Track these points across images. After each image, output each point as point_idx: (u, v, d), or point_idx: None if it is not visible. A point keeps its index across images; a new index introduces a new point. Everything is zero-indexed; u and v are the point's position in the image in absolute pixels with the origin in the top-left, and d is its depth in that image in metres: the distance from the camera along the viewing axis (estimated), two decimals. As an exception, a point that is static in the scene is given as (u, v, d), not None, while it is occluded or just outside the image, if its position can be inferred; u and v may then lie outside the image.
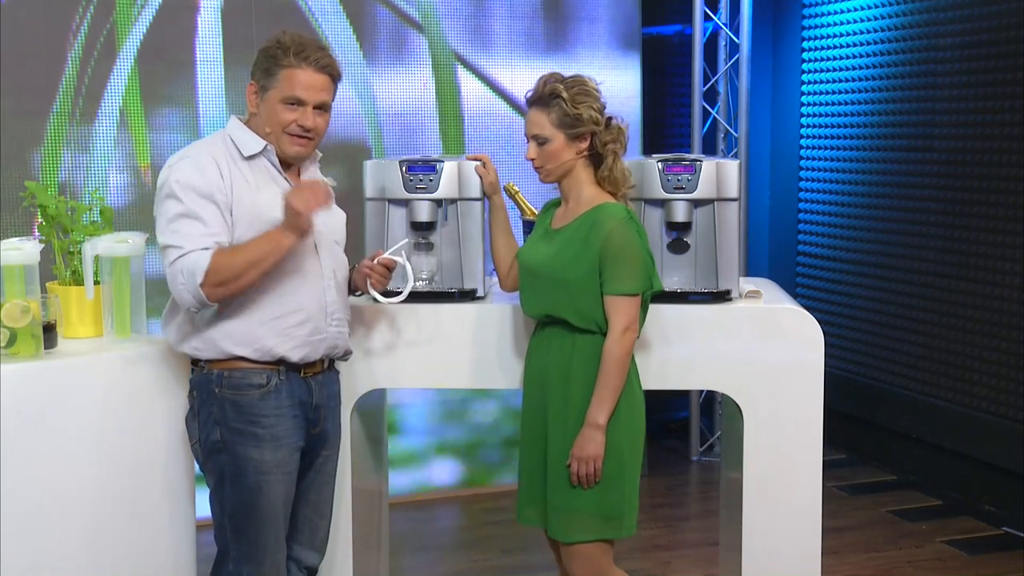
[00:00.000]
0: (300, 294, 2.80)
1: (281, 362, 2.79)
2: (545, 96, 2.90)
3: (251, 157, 2.79)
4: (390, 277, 2.96)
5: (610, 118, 2.93)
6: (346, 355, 2.98)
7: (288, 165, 2.85)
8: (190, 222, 2.68)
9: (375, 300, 2.96)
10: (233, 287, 2.68)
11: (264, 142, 2.79)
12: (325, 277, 2.85)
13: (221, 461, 2.79)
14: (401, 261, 2.94)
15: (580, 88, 2.89)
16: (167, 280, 2.71)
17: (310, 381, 2.86)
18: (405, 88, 5.05)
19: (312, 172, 2.92)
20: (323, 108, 2.81)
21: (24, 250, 2.78)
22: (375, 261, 2.94)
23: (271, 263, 2.70)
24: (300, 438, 2.84)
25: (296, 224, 2.67)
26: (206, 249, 2.66)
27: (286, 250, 2.70)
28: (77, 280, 3.00)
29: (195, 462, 2.90)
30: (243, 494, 2.77)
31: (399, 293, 2.98)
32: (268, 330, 2.77)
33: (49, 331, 2.82)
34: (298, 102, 2.76)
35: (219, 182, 2.72)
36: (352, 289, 3.01)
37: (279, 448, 2.79)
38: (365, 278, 2.95)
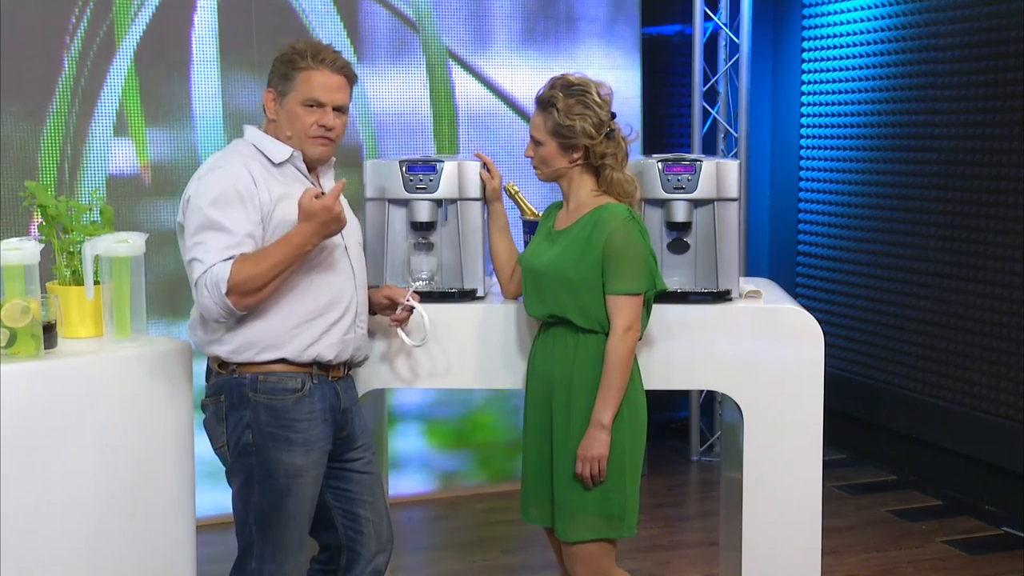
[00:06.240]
0: (333, 293, 2.83)
1: (314, 364, 2.81)
2: (544, 100, 2.91)
3: (280, 163, 2.81)
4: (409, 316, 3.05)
5: (611, 130, 2.91)
6: (364, 359, 3.00)
7: (310, 168, 2.88)
8: (214, 234, 2.68)
9: (407, 344, 3.06)
10: (260, 296, 2.70)
11: (291, 148, 2.82)
12: (357, 277, 2.89)
13: (250, 463, 2.79)
14: (419, 308, 3.00)
15: (579, 99, 2.88)
16: (194, 294, 2.72)
17: (336, 385, 2.87)
18: (399, 89, 5.04)
19: (328, 177, 2.94)
20: (341, 110, 2.84)
21: (24, 250, 2.77)
22: (399, 310, 2.99)
23: (293, 268, 2.73)
24: (329, 442, 2.86)
25: (333, 229, 2.72)
26: (228, 260, 2.67)
27: (307, 254, 2.73)
28: (77, 280, 3.00)
29: (222, 463, 2.89)
30: (272, 495, 2.78)
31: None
32: (304, 330, 2.78)
33: (49, 331, 2.82)
34: (317, 104, 2.79)
35: (253, 188, 2.73)
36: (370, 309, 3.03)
37: (311, 452, 2.80)
38: (393, 324, 3.02)
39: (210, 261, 2.67)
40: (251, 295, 2.69)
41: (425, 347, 3.13)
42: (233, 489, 2.85)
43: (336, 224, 2.72)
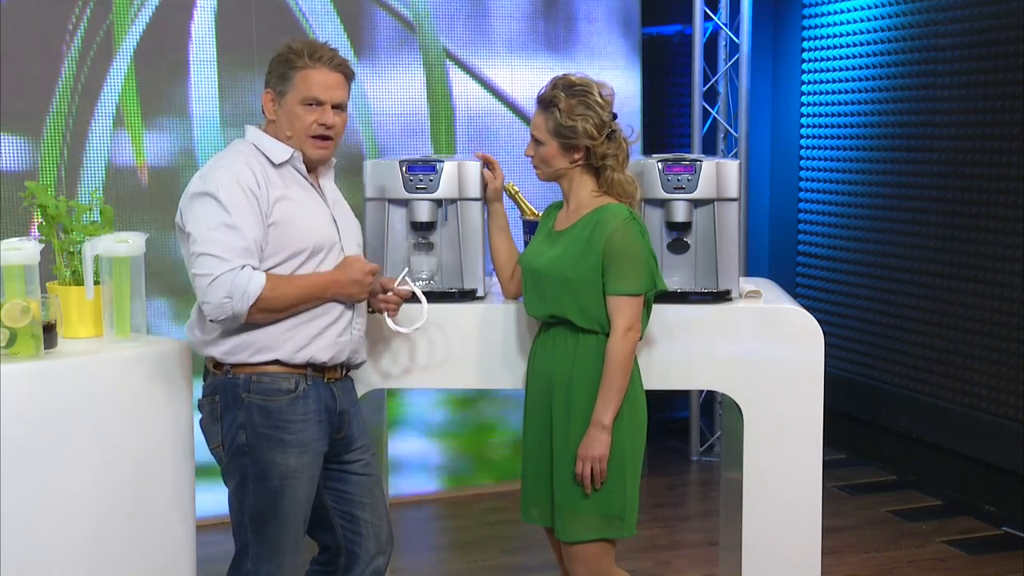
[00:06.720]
0: None
1: (309, 365, 2.80)
2: (546, 100, 2.91)
3: (280, 164, 2.81)
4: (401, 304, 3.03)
5: (613, 131, 2.91)
6: (361, 363, 2.99)
7: (309, 169, 2.87)
8: (228, 232, 2.67)
9: (397, 331, 3.02)
10: (276, 316, 2.74)
11: (291, 149, 2.81)
12: None
13: (245, 463, 2.79)
14: (417, 292, 2.98)
15: (580, 100, 2.88)
16: (197, 287, 2.70)
17: (332, 387, 2.87)
18: (397, 90, 5.04)
19: (328, 178, 2.93)
20: (340, 107, 2.84)
21: (24, 250, 2.77)
22: (388, 293, 2.97)
23: (310, 305, 2.78)
24: (324, 443, 2.86)
25: (350, 292, 2.82)
26: (255, 269, 2.68)
27: (324, 300, 2.80)
28: (77, 280, 3.00)
29: (217, 463, 2.88)
30: (266, 496, 2.78)
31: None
32: (299, 331, 2.78)
33: (49, 331, 2.82)
34: (316, 102, 2.79)
35: (257, 189, 2.73)
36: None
37: (304, 453, 2.80)
38: (380, 305, 2.99)
39: (235, 262, 2.66)
40: (270, 313, 2.72)
41: (424, 347, 3.14)
42: (229, 489, 2.85)
43: (355, 290, 2.82)
